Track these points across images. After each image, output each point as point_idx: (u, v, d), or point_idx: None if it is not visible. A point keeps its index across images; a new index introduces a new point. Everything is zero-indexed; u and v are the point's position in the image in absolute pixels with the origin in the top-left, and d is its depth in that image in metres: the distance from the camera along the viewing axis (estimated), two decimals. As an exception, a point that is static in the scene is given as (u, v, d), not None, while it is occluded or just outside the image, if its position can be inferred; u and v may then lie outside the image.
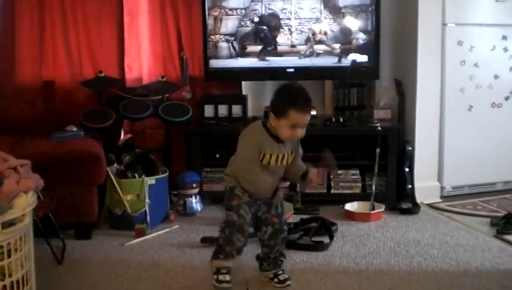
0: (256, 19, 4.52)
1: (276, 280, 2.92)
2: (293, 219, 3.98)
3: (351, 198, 4.27)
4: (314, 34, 4.51)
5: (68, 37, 4.44)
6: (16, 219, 2.27)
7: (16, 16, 4.27)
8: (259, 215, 2.95)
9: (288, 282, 2.90)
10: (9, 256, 2.25)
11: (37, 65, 4.38)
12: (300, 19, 4.50)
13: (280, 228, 2.96)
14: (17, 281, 2.31)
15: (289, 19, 4.51)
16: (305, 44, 4.52)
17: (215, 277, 2.85)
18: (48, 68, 4.43)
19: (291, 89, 2.81)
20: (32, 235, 2.49)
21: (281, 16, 4.51)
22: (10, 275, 2.26)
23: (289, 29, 4.52)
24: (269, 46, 4.56)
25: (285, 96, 2.74)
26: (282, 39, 4.54)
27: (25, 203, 2.34)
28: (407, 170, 4.37)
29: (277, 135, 2.76)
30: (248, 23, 4.55)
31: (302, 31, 4.51)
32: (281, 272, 2.95)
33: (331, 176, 4.38)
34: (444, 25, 4.44)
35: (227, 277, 2.84)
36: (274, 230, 2.94)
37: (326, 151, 3.02)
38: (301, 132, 2.75)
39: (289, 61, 4.57)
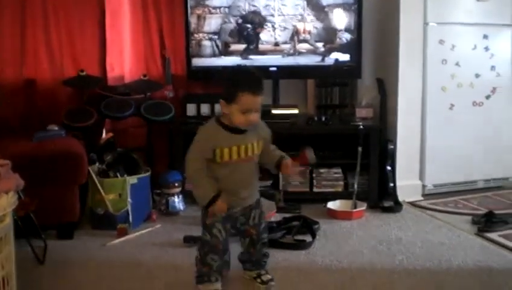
0: (239, 18, 4.52)
1: (259, 280, 2.90)
2: (276, 217, 3.97)
3: (333, 196, 4.28)
4: (297, 32, 4.51)
5: (49, 36, 4.42)
6: (-4, 220, 2.25)
7: (-4, 15, 4.24)
8: (238, 228, 2.87)
9: (271, 283, 2.88)
10: (-11, 257, 2.24)
11: (18, 64, 4.35)
12: (283, 15, 4.50)
13: (258, 237, 2.88)
14: (-2, 282, 2.29)
15: (272, 15, 4.51)
16: (289, 42, 4.52)
17: None
18: (29, 67, 4.40)
19: (240, 72, 2.73)
20: (13, 235, 2.47)
21: (264, 13, 4.50)
22: (-9, 276, 2.25)
23: (272, 26, 4.52)
24: (252, 44, 4.56)
25: (234, 81, 2.61)
26: (266, 36, 4.54)
27: (6, 204, 2.32)
28: (389, 168, 4.39)
29: (234, 127, 2.61)
30: (232, 20, 4.54)
31: (285, 28, 4.51)
32: (264, 272, 2.93)
33: (314, 175, 4.39)
34: (426, 24, 4.47)
35: None
36: (251, 240, 2.88)
37: (307, 147, 2.95)
38: (255, 117, 2.58)
39: (272, 60, 4.57)
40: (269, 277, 2.91)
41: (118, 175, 3.91)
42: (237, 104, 2.53)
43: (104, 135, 4.44)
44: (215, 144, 2.60)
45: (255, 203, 2.85)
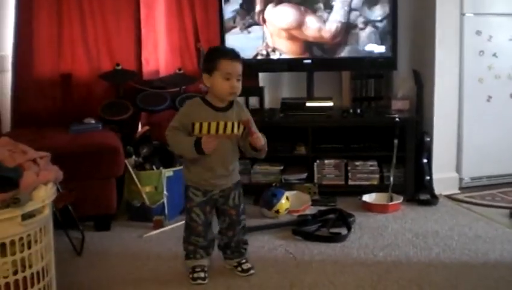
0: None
1: (239, 268, 2.97)
2: (311, 210, 3.98)
3: (369, 189, 4.26)
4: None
5: (86, 31, 4.47)
6: (35, 211, 2.29)
7: (34, 10, 4.29)
8: (217, 207, 2.96)
9: (251, 271, 2.95)
10: (29, 247, 2.27)
11: (55, 58, 4.41)
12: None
13: (237, 219, 2.96)
14: (37, 273, 2.32)
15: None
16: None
17: (191, 275, 2.89)
18: (66, 61, 4.45)
19: (217, 46, 3.02)
20: (52, 227, 2.51)
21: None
22: (30, 266, 2.28)
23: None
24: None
25: (212, 52, 2.86)
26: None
27: (45, 195, 2.35)
28: (425, 161, 4.34)
29: (216, 105, 2.78)
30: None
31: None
32: (244, 261, 3.00)
33: (349, 167, 4.37)
34: (462, 14, 4.40)
35: (202, 274, 2.88)
36: (231, 221, 2.96)
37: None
38: (237, 85, 2.75)
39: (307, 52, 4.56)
40: (249, 265, 2.98)
41: (154, 168, 3.94)
42: (218, 71, 2.72)
43: (140, 128, 4.48)
44: (195, 117, 2.73)
45: (233, 185, 2.93)
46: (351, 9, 4.44)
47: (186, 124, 2.75)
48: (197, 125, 2.71)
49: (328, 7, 4.45)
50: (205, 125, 2.70)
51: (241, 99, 4.63)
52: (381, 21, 4.45)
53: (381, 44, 4.47)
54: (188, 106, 2.86)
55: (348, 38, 4.50)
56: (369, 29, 4.46)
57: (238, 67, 2.76)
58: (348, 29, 4.47)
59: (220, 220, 3.01)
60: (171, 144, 2.83)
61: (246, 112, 2.91)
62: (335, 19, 4.46)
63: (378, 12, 4.44)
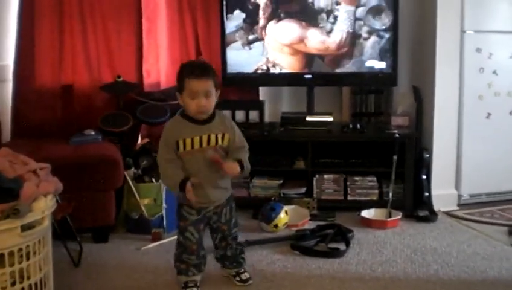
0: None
1: (238, 278, 3.00)
2: (309, 225, 3.97)
3: (368, 205, 4.25)
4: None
5: (87, 42, 4.47)
6: (35, 222, 2.29)
7: (36, 20, 4.30)
8: (211, 225, 2.96)
9: (250, 281, 2.98)
10: (28, 259, 2.27)
11: (56, 69, 4.41)
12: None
13: (229, 232, 2.98)
14: (35, 284, 2.33)
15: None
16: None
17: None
18: (67, 72, 4.46)
19: (186, 63, 2.95)
20: (51, 238, 2.51)
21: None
22: (29, 278, 2.29)
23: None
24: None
25: (179, 71, 2.81)
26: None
27: (44, 207, 2.36)
28: (424, 177, 4.35)
29: (197, 119, 2.77)
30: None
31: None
32: (242, 270, 3.02)
33: (348, 183, 4.37)
34: (463, 32, 4.42)
35: (194, 289, 2.90)
36: (223, 235, 2.98)
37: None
38: (204, 102, 2.72)
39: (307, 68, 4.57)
40: (247, 275, 3.00)
41: (153, 180, 3.94)
42: (185, 91, 2.73)
43: (139, 140, 4.48)
44: (177, 135, 2.76)
45: (225, 201, 2.93)
46: (356, 19, 4.46)
47: (171, 143, 2.76)
48: (180, 143, 2.75)
49: (332, 17, 4.46)
50: (188, 141, 2.75)
51: (241, 113, 4.67)
52: (385, 30, 4.46)
53: (382, 59, 4.49)
54: (168, 125, 2.87)
55: (353, 49, 4.51)
56: (373, 38, 4.47)
57: (205, 84, 2.73)
58: (353, 39, 4.48)
59: (213, 237, 3.02)
60: (161, 176, 2.88)
61: (229, 124, 2.90)
62: (340, 29, 4.47)
63: (382, 22, 4.45)
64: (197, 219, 2.86)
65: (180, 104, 2.81)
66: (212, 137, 2.77)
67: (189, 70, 2.76)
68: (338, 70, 4.54)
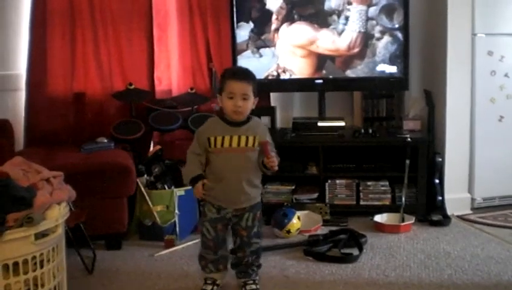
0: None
1: (243, 289, 2.99)
2: (322, 230, 3.97)
3: (381, 210, 4.24)
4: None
5: (99, 50, 4.50)
6: (48, 230, 2.31)
7: (48, 29, 4.34)
8: (231, 226, 2.98)
9: None
10: (41, 266, 2.28)
11: (68, 78, 4.44)
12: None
13: (248, 241, 2.96)
14: (50, 292, 2.34)
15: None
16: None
17: (203, 286, 2.99)
18: (79, 81, 4.49)
19: (229, 67, 3.17)
20: (64, 246, 2.52)
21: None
22: (43, 285, 2.30)
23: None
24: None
25: (222, 74, 2.99)
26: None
27: (58, 215, 2.37)
28: (437, 181, 4.33)
29: (232, 120, 2.86)
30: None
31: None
32: (250, 282, 3.00)
33: (360, 188, 4.36)
34: (474, 35, 4.40)
35: (210, 287, 2.95)
36: (241, 242, 2.97)
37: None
38: (241, 103, 2.81)
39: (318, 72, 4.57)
40: (254, 287, 2.98)
41: (166, 187, 3.95)
42: (225, 91, 2.84)
43: (152, 147, 4.50)
44: (210, 132, 2.87)
45: (249, 207, 2.93)
46: (368, 19, 4.46)
47: (202, 140, 2.87)
48: (212, 140, 2.84)
49: (344, 18, 4.46)
50: (219, 139, 2.83)
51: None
52: (398, 29, 4.45)
53: (393, 64, 4.48)
54: (205, 124, 2.97)
55: (365, 49, 4.50)
56: (386, 38, 4.46)
57: (243, 87, 2.83)
58: (365, 39, 4.48)
59: (233, 240, 3.03)
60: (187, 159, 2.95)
61: (262, 130, 2.94)
62: (352, 29, 4.47)
63: (395, 21, 4.43)
64: (216, 217, 2.90)
65: (220, 105, 2.92)
66: (243, 138, 2.84)
67: (232, 72, 2.95)
68: (349, 72, 4.53)
